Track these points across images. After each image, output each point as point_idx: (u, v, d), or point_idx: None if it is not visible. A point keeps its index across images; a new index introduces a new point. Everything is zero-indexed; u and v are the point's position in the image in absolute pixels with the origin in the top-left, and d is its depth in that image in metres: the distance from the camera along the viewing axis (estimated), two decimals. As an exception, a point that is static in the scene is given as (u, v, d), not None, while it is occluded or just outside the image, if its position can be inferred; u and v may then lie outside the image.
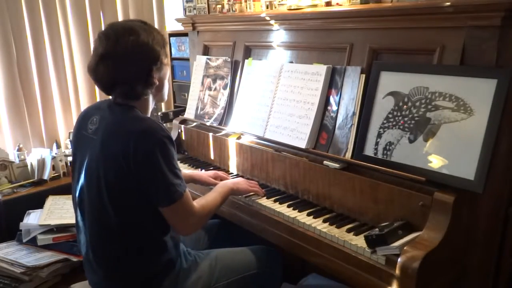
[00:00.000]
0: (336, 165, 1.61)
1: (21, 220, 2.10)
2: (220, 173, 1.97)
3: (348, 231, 1.49)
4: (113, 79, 1.38)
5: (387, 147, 1.52)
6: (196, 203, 1.47)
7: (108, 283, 1.48)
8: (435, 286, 1.32)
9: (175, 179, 1.36)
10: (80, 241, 1.53)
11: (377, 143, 1.55)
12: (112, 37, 1.35)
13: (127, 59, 1.35)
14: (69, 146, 2.66)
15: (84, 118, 1.50)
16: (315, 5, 1.96)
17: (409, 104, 1.48)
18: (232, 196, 1.77)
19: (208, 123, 2.27)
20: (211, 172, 1.95)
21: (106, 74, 1.37)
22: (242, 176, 2.01)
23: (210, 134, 2.20)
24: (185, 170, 2.12)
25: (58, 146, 2.56)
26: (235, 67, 2.20)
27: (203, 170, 2.06)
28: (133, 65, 1.37)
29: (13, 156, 2.43)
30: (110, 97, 1.48)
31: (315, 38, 1.85)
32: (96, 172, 1.37)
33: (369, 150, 1.57)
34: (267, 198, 1.78)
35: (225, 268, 1.61)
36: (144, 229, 1.43)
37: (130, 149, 1.30)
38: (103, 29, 1.45)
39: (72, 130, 2.65)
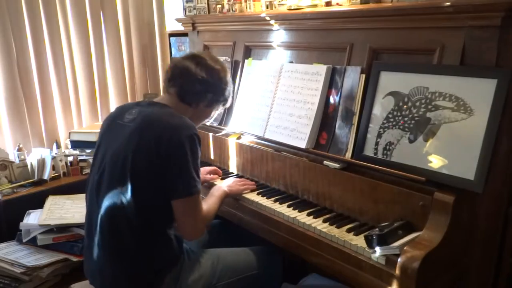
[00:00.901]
0: (336, 165, 1.61)
1: (21, 220, 2.10)
2: (208, 169, 2.01)
3: (348, 231, 1.49)
4: (187, 71, 1.56)
5: (387, 147, 1.52)
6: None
7: (110, 270, 1.47)
8: (435, 286, 1.32)
9: (196, 175, 1.44)
10: (88, 226, 1.53)
11: (377, 143, 1.55)
12: (214, 57, 1.66)
13: (209, 70, 1.58)
14: (69, 146, 2.66)
15: (122, 110, 1.57)
16: (315, 5, 1.96)
17: (409, 104, 1.48)
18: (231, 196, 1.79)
19: (208, 123, 2.26)
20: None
21: (185, 66, 1.57)
22: (242, 176, 2.02)
23: (210, 134, 2.20)
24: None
25: (58, 146, 2.55)
26: (235, 67, 2.20)
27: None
28: (208, 76, 1.58)
29: (13, 156, 2.43)
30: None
31: (315, 38, 1.85)
32: (124, 155, 1.42)
33: (369, 150, 1.57)
34: (267, 198, 1.78)
35: (227, 268, 1.62)
36: (157, 220, 1.46)
37: (164, 137, 1.39)
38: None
39: (73, 130, 2.70)
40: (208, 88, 1.59)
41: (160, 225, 1.47)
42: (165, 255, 1.49)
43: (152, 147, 1.38)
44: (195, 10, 2.55)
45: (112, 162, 1.45)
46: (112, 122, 1.56)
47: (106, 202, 1.45)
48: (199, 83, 1.56)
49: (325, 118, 1.74)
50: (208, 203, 1.62)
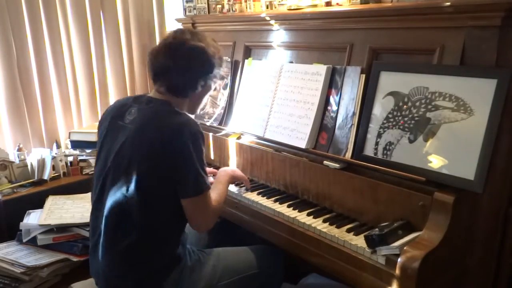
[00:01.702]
0: (336, 165, 1.61)
1: (21, 220, 2.09)
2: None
3: (348, 231, 1.49)
4: (167, 68, 1.47)
5: (387, 147, 1.52)
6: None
7: (114, 269, 1.47)
8: (435, 286, 1.32)
9: (203, 172, 1.43)
10: (93, 227, 1.53)
11: (377, 143, 1.55)
12: (187, 34, 1.50)
13: (188, 56, 1.47)
14: (69, 146, 2.66)
15: (122, 108, 1.54)
16: (315, 5, 1.97)
17: (409, 104, 1.48)
18: (232, 196, 1.79)
19: (208, 123, 2.27)
20: None
21: (163, 61, 1.47)
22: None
23: (210, 134, 2.20)
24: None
25: (58, 146, 2.55)
26: (235, 67, 2.20)
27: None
28: (190, 63, 1.48)
29: (13, 156, 2.43)
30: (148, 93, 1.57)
31: (315, 38, 1.85)
32: (128, 158, 1.41)
33: (369, 150, 1.57)
34: (267, 198, 1.78)
35: (227, 268, 1.62)
36: (163, 221, 1.46)
37: (166, 138, 1.37)
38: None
39: (73, 130, 2.69)
40: (197, 74, 1.50)
41: (166, 226, 1.47)
42: (168, 255, 1.49)
43: (156, 149, 1.37)
44: (195, 10, 2.56)
45: (115, 165, 1.44)
46: (113, 122, 1.53)
47: (110, 204, 1.44)
48: (183, 74, 1.47)
49: (325, 118, 1.74)
50: (217, 192, 1.61)
